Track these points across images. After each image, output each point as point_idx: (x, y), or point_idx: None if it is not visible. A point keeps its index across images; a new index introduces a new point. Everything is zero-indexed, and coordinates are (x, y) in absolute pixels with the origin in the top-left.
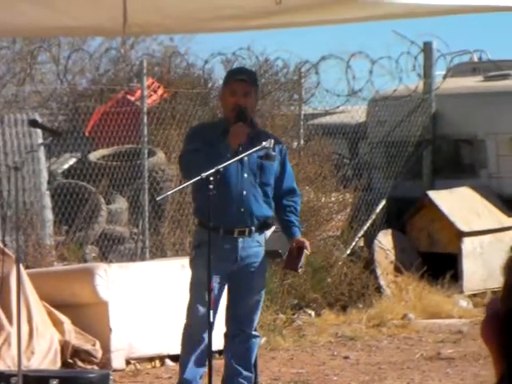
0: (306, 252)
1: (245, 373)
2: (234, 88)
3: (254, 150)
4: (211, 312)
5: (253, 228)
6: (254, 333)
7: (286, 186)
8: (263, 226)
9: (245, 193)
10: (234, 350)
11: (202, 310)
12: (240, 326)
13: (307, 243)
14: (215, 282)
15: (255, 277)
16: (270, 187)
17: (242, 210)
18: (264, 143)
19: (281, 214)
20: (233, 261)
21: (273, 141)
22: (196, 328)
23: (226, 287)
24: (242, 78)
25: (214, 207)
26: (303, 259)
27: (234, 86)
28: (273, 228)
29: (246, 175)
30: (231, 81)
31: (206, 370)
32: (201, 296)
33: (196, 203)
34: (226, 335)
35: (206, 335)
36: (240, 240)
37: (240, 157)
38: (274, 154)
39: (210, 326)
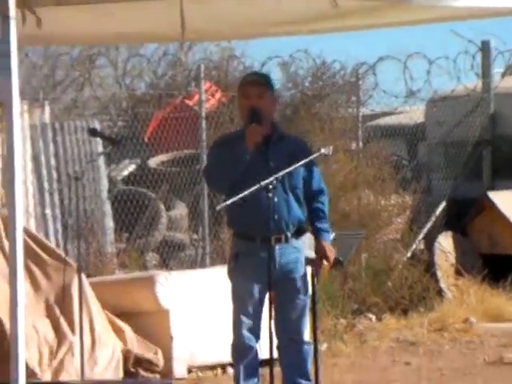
0: (325, 264)
1: (302, 381)
2: (247, 91)
3: (313, 156)
4: (261, 321)
5: (289, 234)
6: (304, 339)
7: (314, 187)
8: (299, 231)
9: (276, 199)
10: (287, 360)
11: (246, 321)
12: (289, 334)
13: (331, 252)
14: (255, 292)
15: (296, 283)
16: (299, 190)
17: (276, 217)
18: (323, 150)
19: (309, 219)
20: (272, 269)
21: (331, 147)
22: (242, 339)
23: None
24: (254, 81)
25: (247, 217)
26: (322, 271)
27: (247, 89)
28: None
29: (274, 181)
30: (244, 84)
31: (257, 380)
32: (243, 307)
33: (229, 213)
34: (278, 347)
35: (253, 345)
36: (277, 247)
37: (292, 168)
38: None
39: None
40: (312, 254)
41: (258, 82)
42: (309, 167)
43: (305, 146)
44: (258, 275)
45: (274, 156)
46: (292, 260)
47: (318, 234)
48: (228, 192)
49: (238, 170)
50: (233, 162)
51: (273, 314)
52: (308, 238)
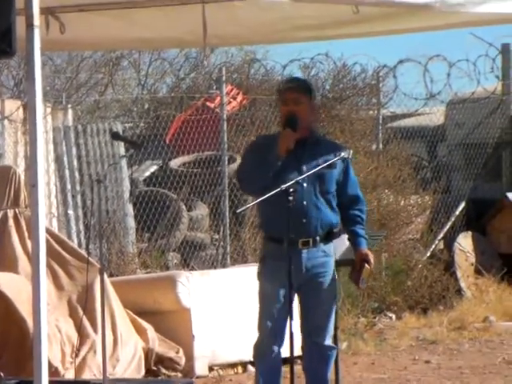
0: (367, 267)
1: None
2: (285, 97)
3: (332, 160)
4: (286, 324)
5: (317, 238)
6: (328, 344)
7: (350, 194)
8: (328, 235)
9: (305, 203)
10: (309, 364)
11: (269, 324)
12: (313, 338)
13: (371, 257)
14: (281, 295)
15: (323, 288)
16: (331, 195)
17: (304, 220)
18: (343, 153)
19: (346, 225)
20: (298, 273)
21: (351, 151)
22: (265, 342)
23: (296, 300)
24: (291, 87)
25: (275, 220)
26: (363, 274)
27: (285, 95)
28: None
29: (305, 185)
30: (282, 90)
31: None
32: (268, 310)
33: (261, 216)
34: (302, 348)
35: (276, 348)
36: (304, 251)
37: (317, 169)
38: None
39: (291, 337)
40: (338, 257)
41: (296, 88)
42: (344, 173)
43: (338, 148)
44: (284, 278)
45: (308, 160)
46: (319, 264)
47: (357, 238)
48: (261, 194)
49: (269, 174)
50: (264, 166)
51: (296, 315)
52: (337, 241)
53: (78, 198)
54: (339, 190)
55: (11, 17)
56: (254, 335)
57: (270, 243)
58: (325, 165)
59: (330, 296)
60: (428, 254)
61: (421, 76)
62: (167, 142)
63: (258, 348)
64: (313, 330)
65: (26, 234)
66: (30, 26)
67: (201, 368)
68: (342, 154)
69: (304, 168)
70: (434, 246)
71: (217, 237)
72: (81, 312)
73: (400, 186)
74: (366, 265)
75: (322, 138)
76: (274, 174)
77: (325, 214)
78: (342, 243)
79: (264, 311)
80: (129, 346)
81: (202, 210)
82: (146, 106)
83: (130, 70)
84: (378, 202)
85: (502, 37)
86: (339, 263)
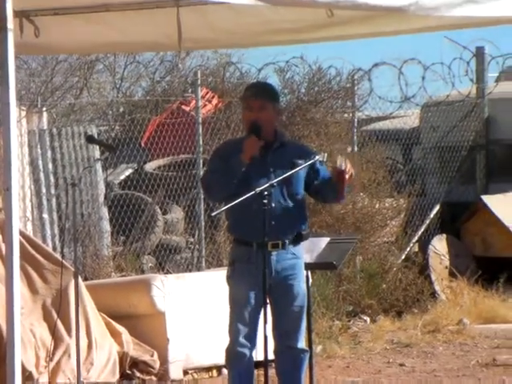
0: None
1: None
2: (249, 104)
3: (306, 163)
4: (257, 327)
5: (286, 240)
6: (300, 347)
7: (324, 176)
8: (297, 237)
9: (273, 205)
10: (282, 368)
11: (240, 327)
12: (285, 341)
13: (346, 167)
14: (252, 298)
15: (293, 290)
16: (299, 196)
17: (273, 223)
18: (317, 157)
19: (323, 186)
20: (268, 275)
21: (326, 154)
22: (237, 346)
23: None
24: (255, 93)
25: (244, 223)
26: (346, 183)
27: (249, 101)
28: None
29: (273, 188)
30: (246, 96)
31: None
32: (239, 314)
33: (229, 220)
34: (275, 351)
35: (247, 351)
36: (274, 253)
37: (292, 171)
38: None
39: (265, 340)
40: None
41: (259, 94)
42: (312, 168)
43: (308, 151)
44: (254, 281)
45: (274, 163)
46: (289, 266)
47: (327, 177)
48: (226, 201)
49: (233, 181)
50: (229, 173)
51: (269, 319)
52: (308, 244)
53: (53, 201)
54: (315, 181)
55: None
56: (227, 339)
57: (239, 246)
58: (302, 167)
59: (300, 298)
60: (403, 257)
61: (396, 79)
62: (142, 145)
63: (230, 352)
64: (285, 334)
65: (0, 238)
66: (3, 29)
67: (175, 372)
68: (317, 156)
69: (272, 171)
70: (408, 249)
71: (192, 240)
72: (55, 316)
73: (375, 188)
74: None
75: (287, 141)
76: (242, 179)
77: (293, 217)
78: (317, 246)
79: (235, 315)
80: (103, 349)
81: (177, 214)
82: (122, 110)
83: (105, 73)
84: (352, 205)
85: (476, 40)
86: (314, 266)
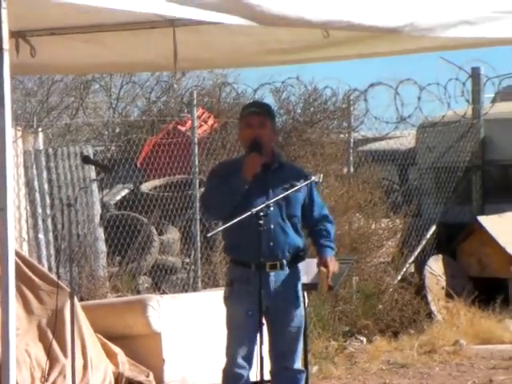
0: (323, 269)
1: None
2: (248, 121)
3: (301, 185)
4: (254, 348)
5: (284, 261)
6: (297, 368)
7: (316, 215)
8: (295, 258)
9: (272, 226)
10: None
11: (237, 348)
12: (282, 362)
13: (330, 262)
14: (249, 318)
15: (291, 310)
16: (296, 218)
17: (272, 243)
18: (313, 177)
19: (313, 241)
20: (266, 296)
21: (322, 175)
22: (234, 367)
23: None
24: (255, 111)
25: (242, 244)
26: (320, 277)
27: (248, 118)
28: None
29: (271, 208)
30: (245, 114)
31: None
32: (236, 335)
33: (226, 240)
34: (271, 372)
35: (245, 373)
36: (272, 274)
37: (286, 193)
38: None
39: (261, 360)
40: (305, 280)
41: (260, 111)
42: (309, 195)
43: (302, 173)
44: (252, 302)
45: (273, 184)
46: (287, 287)
47: (318, 249)
48: (223, 221)
49: (236, 199)
50: (230, 192)
51: (265, 339)
52: (305, 265)
53: (49, 221)
54: (305, 213)
55: None
56: (224, 359)
57: (236, 267)
58: (296, 188)
59: (298, 319)
60: (399, 278)
61: (391, 99)
62: (138, 165)
63: (228, 373)
64: (281, 354)
65: None
66: None
67: None
68: (313, 177)
69: (271, 192)
70: (404, 270)
71: (188, 260)
72: (50, 336)
73: (371, 209)
74: (322, 268)
75: (284, 162)
76: (242, 198)
77: (291, 238)
78: (313, 267)
79: (232, 336)
80: (99, 370)
81: (173, 234)
82: (117, 130)
83: (101, 93)
84: (349, 226)
85: (472, 61)
86: (309, 287)
